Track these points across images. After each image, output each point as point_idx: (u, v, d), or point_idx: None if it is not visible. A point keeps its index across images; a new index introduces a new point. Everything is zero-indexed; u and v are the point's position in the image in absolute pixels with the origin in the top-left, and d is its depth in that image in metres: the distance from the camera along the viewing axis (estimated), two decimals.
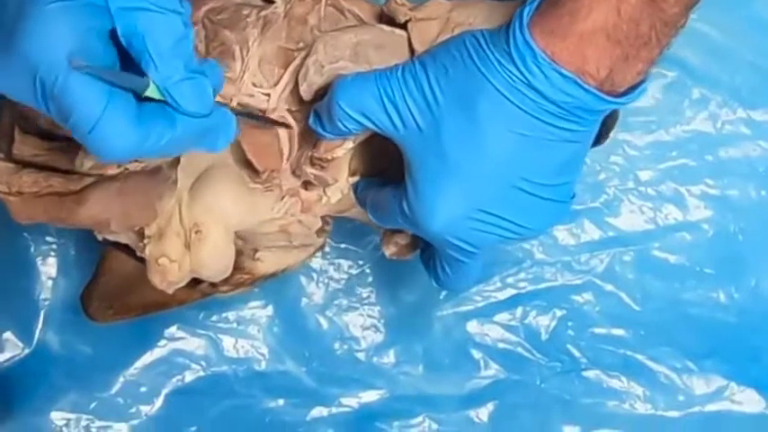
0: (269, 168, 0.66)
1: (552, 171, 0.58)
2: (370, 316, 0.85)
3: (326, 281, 0.85)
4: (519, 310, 0.85)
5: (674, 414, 0.84)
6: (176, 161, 0.65)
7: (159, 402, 0.85)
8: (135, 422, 0.84)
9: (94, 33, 0.49)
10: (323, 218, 0.73)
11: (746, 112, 0.84)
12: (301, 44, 0.65)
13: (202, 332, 0.85)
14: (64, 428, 0.84)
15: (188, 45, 0.51)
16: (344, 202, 0.70)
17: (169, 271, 0.67)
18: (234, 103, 0.64)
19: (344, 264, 0.85)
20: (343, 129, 0.61)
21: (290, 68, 0.65)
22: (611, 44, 0.54)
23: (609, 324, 0.85)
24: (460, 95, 0.57)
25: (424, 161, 0.59)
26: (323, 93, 0.63)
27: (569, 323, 0.85)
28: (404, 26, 0.64)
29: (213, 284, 0.72)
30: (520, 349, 0.85)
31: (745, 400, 0.84)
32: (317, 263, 0.84)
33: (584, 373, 0.84)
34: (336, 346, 0.85)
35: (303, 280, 0.85)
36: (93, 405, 0.84)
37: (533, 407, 0.84)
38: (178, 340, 0.85)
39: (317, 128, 0.63)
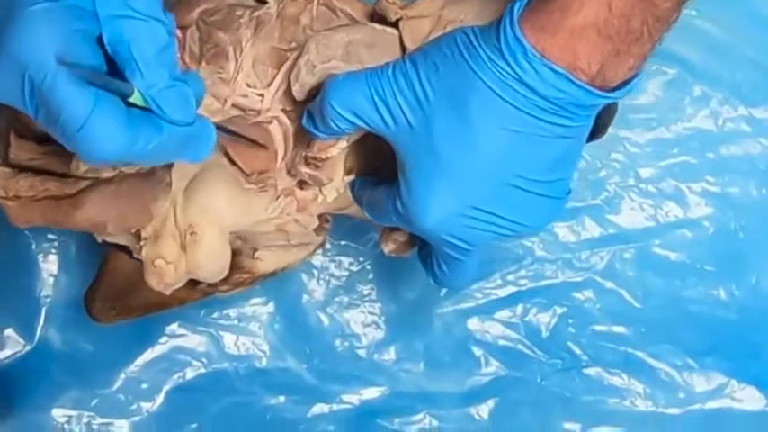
0: (256, 171, 0.66)
1: (546, 167, 0.58)
2: (370, 313, 0.85)
3: (327, 278, 0.85)
4: (519, 308, 0.85)
5: (674, 411, 0.84)
6: (170, 163, 0.66)
7: (160, 399, 0.85)
8: (136, 419, 0.85)
9: (81, 36, 0.50)
10: (323, 216, 0.73)
11: (747, 109, 0.84)
12: (294, 44, 0.65)
13: (203, 329, 0.85)
14: (65, 425, 0.84)
15: (171, 54, 0.52)
16: (342, 201, 0.70)
17: (165, 273, 0.67)
18: (228, 104, 0.64)
19: (345, 261, 0.85)
20: (336, 128, 0.61)
21: (284, 69, 0.65)
22: (603, 40, 0.54)
23: (609, 321, 0.85)
24: (451, 93, 0.57)
25: (416, 159, 0.59)
26: (316, 92, 0.63)
27: (570, 320, 0.85)
28: (395, 24, 0.64)
29: (213, 284, 0.72)
30: (520, 346, 0.85)
31: (746, 398, 0.84)
32: (317, 260, 0.84)
33: (585, 371, 0.84)
34: (337, 342, 0.85)
35: (304, 277, 0.85)
36: (94, 402, 0.84)
37: (534, 404, 0.84)
38: (179, 337, 0.85)
39: (311, 127, 0.63)
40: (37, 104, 0.51)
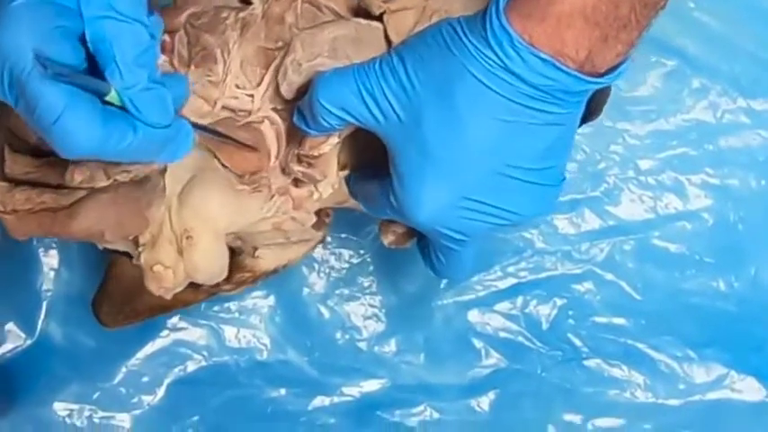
0: (246, 171, 0.66)
1: (537, 155, 0.58)
2: (371, 305, 0.85)
3: (327, 271, 0.85)
4: (519, 300, 0.85)
5: (674, 402, 0.84)
6: (164, 169, 0.66)
7: (161, 392, 0.85)
8: (137, 412, 0.85)
9: (61, 32, 0.51)
10: (323, 211, 0.73)
11: (746, 101, 0.84)
12: (280, 43, 0.65)
13: (204, 322, 0.85)
14: (67, 419, 0.84)
15: (152, 56, 0.53)
16: (339, 195, 0.70)
17: (164, 277, 0.68)
18: (218, 106, 0.64)
19: (345, 253, 0.85)
20: (326, 125, 0.61)
21: (272, 68, 0.64)
22: (590, 26, 0.53)
23: (609, 313, 0.85)
24: (439, 84, 0.57)
25: (406, 152, 0.58)
26: (305, 90, 0.63)
27: (570, 312, 0.85)
28: (380, 18, 0.64)
29: (216, 284, 0.73)
30: (521, 338, 0.85)
31: (746, 389, 0.84)
32: (318, 253, 0.85)
33: (585, 362, 0.84)
34: (338, 335, 0.85)
35: (304, 270, 0.85)
36: (95, 395, 0.85)
37: (534, 396, 0.84)
38: (180, 330, 0.85)
39: (301, 125, 0.63)
40: (17, 95, 0.52)
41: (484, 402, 0.84)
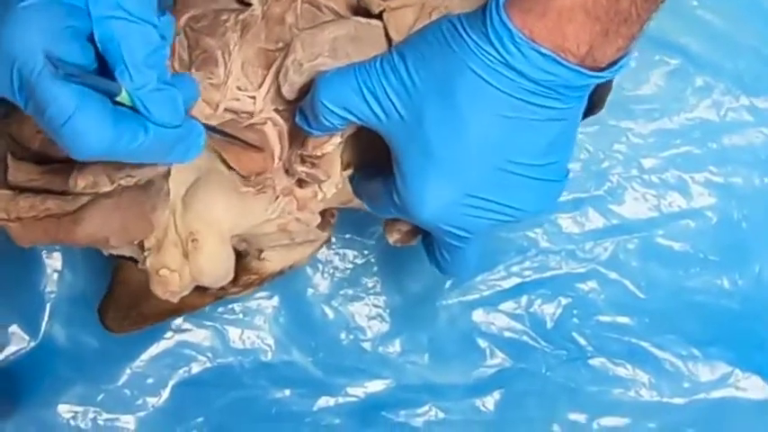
0: (253, 172, 0.66)
1: (540, 151, 0.58)
2: (375, 306, 0.85)
3: (332, 271, 0.85)
4: (524, 299, 0.85)
5: (679, 401, 0.84)
6: (167, 172, 0.66)
7: (166, 394, 0.85)
8: (142, 414, 0.85)
9: (71, 33, 0.51)
10: (327, 211, 0.73)
11: (750, 99, 0.84)
12: (281, 44, 0.64)
13: (208, 323, 0.85)
14: (71, 421, 0.84)
15: (162, 57, 0.53)
16: (343, 195, 0.70)
17: (170, 281, 0.68)
18: (221, 109, 0.64)
19: (350, 254, 0.85)
20: (329, 125, 0.61)
21: (273, 69, 0.64)
22: (591, 20, 0.53)
23: (614, 312, 0.85)
24: (440, 82, 0.56)
25: (408, 151, 0.58)
26: (306, 90, 0.62)
27: (574, 311, 0.85)
28: (380, 16, 0.64)
29: (223, 287, 0.73)
30: (525, 338, 0.85)
31: (750, 387, 0.84)
32: (322, 253, 0.85)
33: (590, 361, 0.84)
34: (342, 336, 0.85)
35: (308, 270, 0.85)
36: (100, 397, 0.85)
37: (539, 395, 0.84)
38: (184, 332, 0.85)
39: (304, 125, 0.63)
40: (26, 97, 0.52)
41: (489, 402, 0.84)
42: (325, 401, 0.85)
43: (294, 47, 0.63)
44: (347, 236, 0.85)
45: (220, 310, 0.85)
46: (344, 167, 0.68)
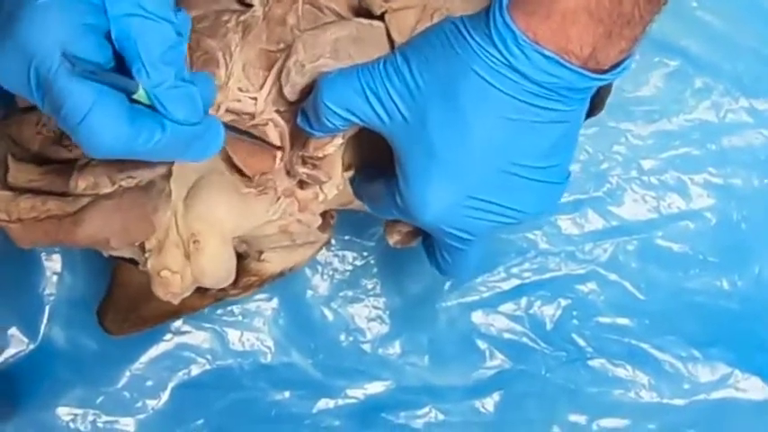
0: (259, 172, 0.66)
1: (542, 153, 0.58)
2: (375, 307, 0.85)
3: (331, 273, 0.85)
4: (523, 300, 0.85)
5: (679, 402, 0.84)
6: (168, 173, 0.66)
7: (165, 396, 0.85)
8: (141, 416, 0.84)
9: (89, 30, 0.51)
10: (327, 212, 0.73)
11: (749, 100, 0.84)
12: (282, 45, 0.64)
13: (208, 326, 0.85)
14: (70, 423, 0.84)
15: (179, 54, 0.53)
16: (344, 196, 0.70)
17: (172, 283, 0.68)
18: (222, 110, 0.64)
19: (349, 256, 0.85)
20: (331, 126, 0.61)
21: (274, 70, 0.64)
22: (594, 22, 0.53)
23: (613, 313, 0.85)
24: (443, 84, 0.57)
25: (412, 152, 0.58)
26: (308, 91, 0.63)
27: (574, 313, 0.85)
28: (381, 17, 0.64)
29: (223, 288, 0.73)
30: (525, 339, 0.85)
31: (750, 388, 0.84)
32: (321, 255, 0.84)
33: (590, 363, 0.84)
34: (342, 337, 0.85)
35: (308, 272, 0.85)
36: (99, 400, 0.84)
37: (539, 396, 0.84)
38: (184, 334, 0.85)
39: (306, 126, 0.63)
40: (43, 94, 0.51)
41: (488, 403, 0.84)
42: (324, 403, 0.85)
43: (296, 48, 0.63)
44: (346, 237, 0.85)
45: (219, 311, 0.85)
46: (345, 169, 0.68)
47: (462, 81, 0.56)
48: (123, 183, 0.64)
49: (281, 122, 0.65)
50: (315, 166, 0.66)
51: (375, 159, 0.67)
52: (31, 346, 0.85)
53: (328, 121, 0.60)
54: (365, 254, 0.85)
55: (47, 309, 0.85)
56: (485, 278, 0.85)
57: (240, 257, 0.73)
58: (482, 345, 0.85)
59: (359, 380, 0.85)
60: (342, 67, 0.61)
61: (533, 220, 0.71)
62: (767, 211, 0.85)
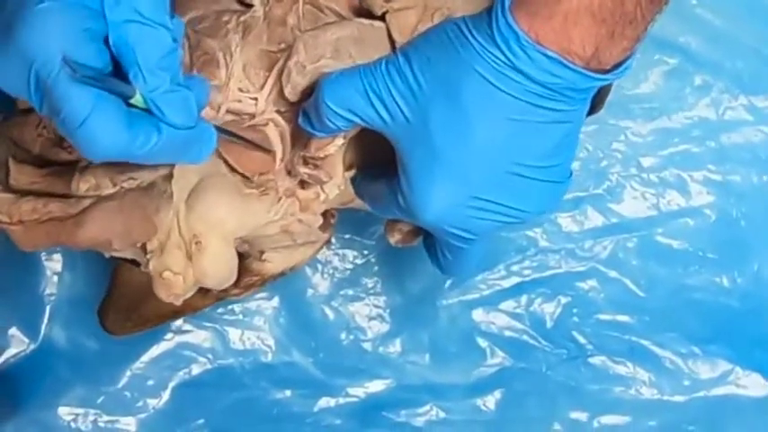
0: (257, 172, 0.66)
1: (544, 153, 0.58)
2: (375, 306, 0.85)
3: (331, 271, 0.85)
4: (524, 298, 0.85)
5: (679, 399, 0.84)
6: (170, 175, 0.66)
7: (166, 396, 0.85)
8: (142, 416, 0.85)
9: (88, 35, 0.51)
10: (328, 211, 0.73)
11: (748, 98, 0.84)
12: (283, 45, 0.64)
13: (208, 325, 0.85)
14: (72, 423, 0.84)
15: (175, 59, 0.53)
16: (345, 195, 0.70)
17: (174, 284, 0.68)
18: (222, 111, 0.64)
19: (349, 254, 0.85)
20: (333, 126, 0.61)
21: (275, 70, 0.64)
22: (597, 23, 0.53)
23: (613, 310, 0.85)
24: (445, 84, 0.57)
25: (414, 153, 0.59)
26: (309, 92, 0.63)
27: (574, 310, 0.85)
28: (382, 18, 0.64)
29: (225, 289, 0.73)
30: (525, 337, 0.85)
31: (750, 384, 0.85)
32: (321, 254, 0.84)
33: (590, 360, 0.85)
34: (342, 336, 0.85)
35: (308, 271, 0.85)
36: (100, 399, 0.84)
37: (540, 394, 0.84)
38: (184, 333, 0.85)
39: (307, 127, 0.63)
40: (42, 97, 0.52)
41: (489, 401, 0.84)
42: (325, 402, 0.85)
43: (297, 48, 0.63)
44: (347, 236, 0.85)
45: (220, 311, 0.85)
46: (347, 168, 0.68)
47: (465, 81, 0.56)
48: (125, 184, 0.64)
49: (282, 123, 0.65)
50: (316, 167, 0.66)
51: (377, 159, 0.67)
52: (32, 346, 0.85)
53: (330, 121, 0.60)
54: (365, 252, 0.85)
55: (47, 309, 0.85)
56: (485, 276, 0.85)
57: (241, 257, 0.73)
58: (483, 343, 0.85)
59: (360, 378, 0.85)
60: (343, 68, 0.61)
61: (535, 219, 0.71)
62: (766, 208, 0.85)
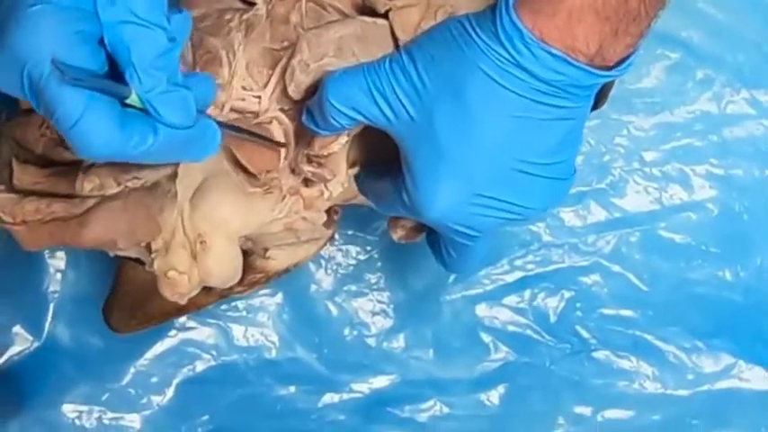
0: (264, 170, 0.66)
1: (549, 150, 0.58)
2: (379, 301, 0.85)
3: (335, 267, 0.85)
4: (527, 293, 0.85)
5: (683, 393, 0.85)
6: (174, 174, 0.66)
7: (171, 392, 0.85)
8: (147, 413, 0.85)
9: (81, 37, 0.51)
10: (331, 208, 0.73)
11: (750, 92, 0.85)
12: (286, 43, 0.64)
13: (212, 321, 0.85)
14: (76, 420, 0.84)
15: (172, 59, 0.53)
16: (349, 192, 0.70)
17: (179, 283, 0.68)
18: (226, 109, 0.64)
19: (353, 250, 0.86)
20: (336, 125, 0.61)
21: (278, 68, 0.64)
22: (601, 20, 0.54)
23: (617, 305, 0.85)
24: (450, 82, 0.57)
25: (418, 151, 0.59)
26: (313, 90, 0.63)
27: (577, 304, 0.85)
28: (385, 15, 0.64)
29: (229, 286, 0.73)
30: (529, 331, 0.85)
31: (753, 378, 0.85)
32: (325, 250, 0.84)
33: (594, 354, 0.85)
34: (346, 332, 0.85)
35: (312, 267, 0.85)
36: (104, 396, 0.84)
37: (543, 389, 0.84)
38: (188, 330, 0.85)
39: (311, 125, 0.63)
40: (36, 99, 0.52)
41: (493, 396, 0.84)
42: (329, 398, 0.85)
43: (300, 47, 0.63)
44: (350, 232, 0.85)
45: (224, 307, 0.85)
46: (350, 166, 0.68)
47: (469, 79, 0.56)
48: (129, 184, 0.64)
49: (286, 120, 0.65)
50: (320, 165, 0.66)
51: (380, 156, 0.67)
52: (36, 344, 0.85)
53: (334, 120, 0.60)
54: (369, 248, 0.85)
55: (51, 306, 0.85)
56: (488, 271, 0.85)
57: (245, 255, 0.73)
58: (486, 338, 0.85)
59: (363, 374, 0.85)
60: (347, 66, 0.61)
61: (537, 215, 0.71)
62: None
